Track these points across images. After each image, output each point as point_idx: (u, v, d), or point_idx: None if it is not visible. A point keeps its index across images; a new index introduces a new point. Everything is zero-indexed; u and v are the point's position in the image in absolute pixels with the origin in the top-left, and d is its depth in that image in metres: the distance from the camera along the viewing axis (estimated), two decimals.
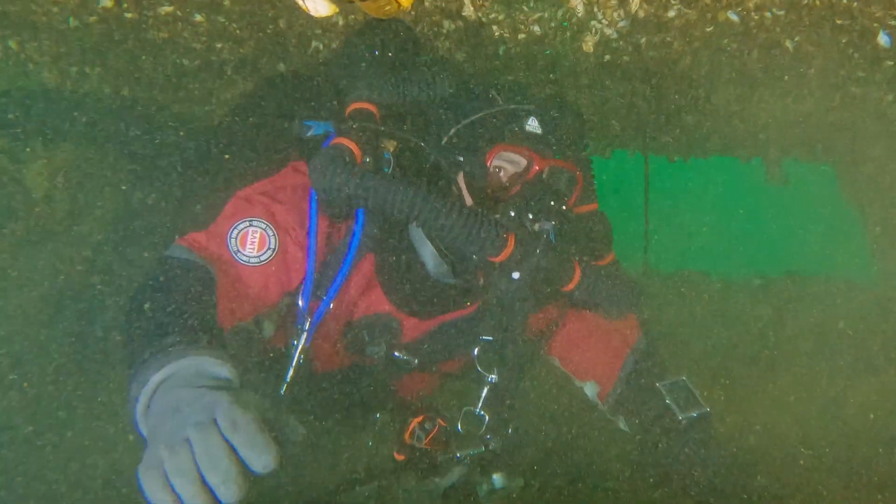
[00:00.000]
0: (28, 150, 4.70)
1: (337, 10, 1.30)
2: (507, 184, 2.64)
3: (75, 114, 4.54)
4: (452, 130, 2.72)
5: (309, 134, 2.83)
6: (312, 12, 1.39)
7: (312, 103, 3.16)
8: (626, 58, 4.04)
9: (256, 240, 2.48)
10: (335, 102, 3.02)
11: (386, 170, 2.63)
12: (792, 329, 5.10)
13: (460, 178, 2.68)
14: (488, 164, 2.61)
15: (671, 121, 4.83)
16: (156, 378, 1.82)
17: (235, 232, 2.49)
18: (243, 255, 2.46)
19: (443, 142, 2.74)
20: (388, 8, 1.30)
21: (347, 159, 2.41)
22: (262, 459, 1.54)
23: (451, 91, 2.85)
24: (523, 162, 2.63)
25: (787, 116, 4.76)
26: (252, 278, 2.48)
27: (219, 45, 4.12)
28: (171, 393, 1.77)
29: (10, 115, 4.08)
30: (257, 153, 2.97)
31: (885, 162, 5.14)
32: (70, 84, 4.53)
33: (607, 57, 4.05)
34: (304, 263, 2.57)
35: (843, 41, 3.57)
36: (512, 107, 2.71)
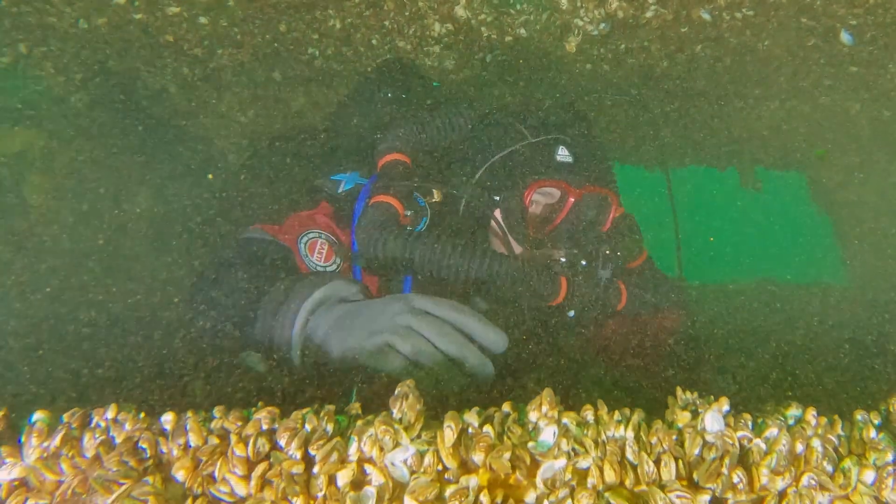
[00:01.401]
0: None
1: None
2: (545, 218, 2.59)
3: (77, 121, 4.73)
4: (483, 169, 2.67)
5: (340, 190, 2.76)
6: None
7: (334, 155, 3.13)
8: (605, 66, 4.28)
9: (325, 251, 2.48)
10: (359, 151, 2.99)
11: (424, 219, 2.60)
12: (764, 331, 5.25)
13: (497, 215, 2.62)
14: (526, 201, 2.55)
15: (649, 132, 5.07)
16: (317, 295, 1.97)
17: (306, 238, 2.49)
18: (311, 260, 2.46)
19: (474, 180, 2.68)
20: None
21: (392, 220, 2.40)
22: (497, 336, 1.78)
23: (471, 127, 2.83)
24: (557, 193, 2.57)
25: (759, 126, 5.01)
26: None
27: (219, 51, 4.31)
28: (336, 308, 1.94)
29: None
30: (286, 201, 2.97)
31: (853, 169, 5.39)
32: (73, 89, 4.69)
33: (588, 66, 4.29)
34: None
35: (810, 43, 3.80)
36: (540, 138, 2.64)
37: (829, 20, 3.48)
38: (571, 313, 2.46)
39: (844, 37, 3.60)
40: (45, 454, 1.13)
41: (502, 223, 2.59)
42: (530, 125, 2.69)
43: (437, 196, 2.68)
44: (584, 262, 2.47)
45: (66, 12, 3.71)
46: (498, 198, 2.62)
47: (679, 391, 1.23)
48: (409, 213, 2.53)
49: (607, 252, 2.47)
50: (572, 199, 2.53)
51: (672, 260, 3.78)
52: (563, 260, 2.48)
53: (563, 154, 2.60)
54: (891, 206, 5.45)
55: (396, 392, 1.19)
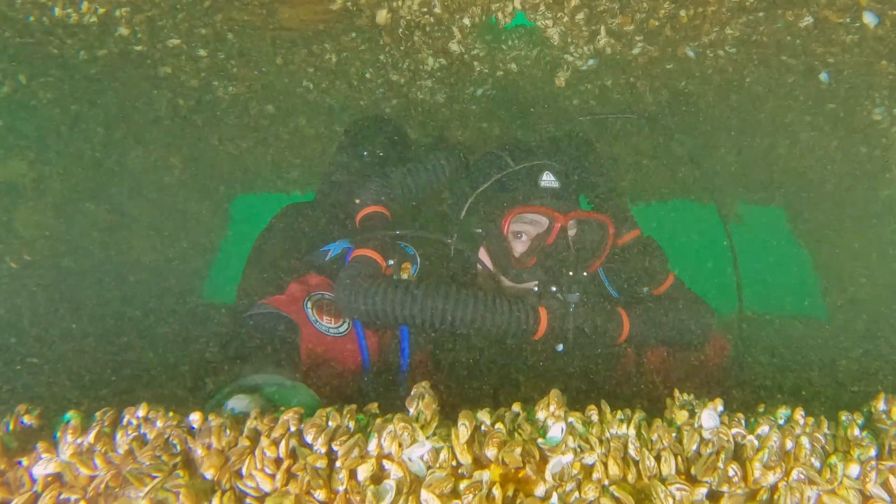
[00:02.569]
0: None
1: None
2: (534, 247, 2.51)
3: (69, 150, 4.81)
4: (467, 205, 2.63)
5: (328, 258, 2.75)
6: None
7: (325, 229, 3.12)
8: (592, 101, 4.42)
9: (333, 311, 2.40)
10: (345, 220, 2.97)
11: (415, 267, 2.57)
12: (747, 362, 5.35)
13: (482, 252, 2.59)
14: (505, 232, 2.47)
15: (632, 167, 5.21)
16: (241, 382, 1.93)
17: (311, 302, 2.43)
18: (322, 324, 2.38)
19: (461, 216, 2.65)
20: None
21: (370, 273, 2.35)
22: None
23: (454, 167, 2.79)
24: (545, 221, 2.49)
25: (741, 160, 5.15)
26: (335, 348, 2.39)
27: (215, 83, 4.41)
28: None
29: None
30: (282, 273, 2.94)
31: (833, 204, 5.54)
32: (68, 121, 4.77)
33: (576, 101, 4.43)
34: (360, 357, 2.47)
35: (790, 80, 3.95)
36: (524, 165, 2.57)
37: (808, 58, 3.62)
38: (560, 348, 2.34)
39: (823, 76, 3.74)
40: (80, 450, 1.19)
41: (487, 258, 2.56)
42: (514, 154, 2.65)
43: (407, 264, 2.59)
44: (553, 289, 2.38)
45: (67, 43, 3.80)
46: (480, 230, 2.57)
47: (676, 392, 1.31)
48: (391, 262, 2.48)
49: (570, 274, 2.37)
50: (559, 225, 2.44)
51: (732, 295, 3.77)
52: (535, 289, 2.41)
53: (547, 179, 2.52)
54: (869, 240, 5.59)
55: (413, 392, 1.26)
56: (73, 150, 5.08)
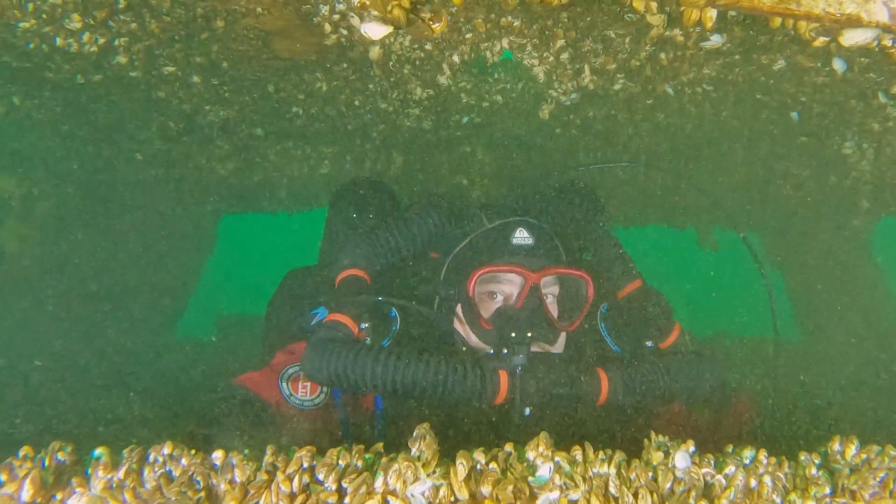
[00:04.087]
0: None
1: (391, 31, 1.58)
2: (499, 309, 2.47)
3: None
4: (445, 265, 2.62)
5: (313, 322, 2.69)
6: (370, 33, 1.61)
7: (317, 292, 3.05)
8: (574, 131, 4.57)
9: (308, 385, 2.39)
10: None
11: (394, 329, 2.54)
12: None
13: (458, 313, 2.56)
14: (470, 293, 2.44)
15: (613, 192, 5.37)
16: None
17: (286, 376, 2.43)
18: (296, 398, 2.38)
19: (441, 277, 2.63)
20: (426, 33, 1.58)
21: (338, 337, 2.31)
22: None
23: (439, 225, 2.75)
24: (517, 279, 2.46)
25: (717, 189, 5.33)
26: (311, 420, 2.40)
27: (206, 108, 4.52)
28: None
29: None
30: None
31: (805, 230, 5.74)
32: (59, 141, 4.87)
33: (558, 130, 4.58)
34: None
35: (764, 116, 4.13)
36: (497, 223, 2.54)
37: (780, 96, 3.79)
38: (527, 412, 2.23)
39: (794, 115, 3.93)
40: (111, 485, 1.30)
41: (462, 321, 2.53)
42: (490, 212, 2.62)
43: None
44: (504, 351, 2.29)
45: (64, 68, 3.89)
46: (453, 292, 2.55)
47: (653, 434, 1.44)
48: (364, 326, 2.43)
49: (512, 335, 2.29)
50: (529, 283, 2.39)
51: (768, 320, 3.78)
52: (490, 352, 2.35)
53: (520, 236, 2.47)
54: (838, 265, 5.79)
55: (415, 434, 1.39)
56: (63, 168, 5.18)
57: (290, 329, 2.84)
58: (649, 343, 2.55)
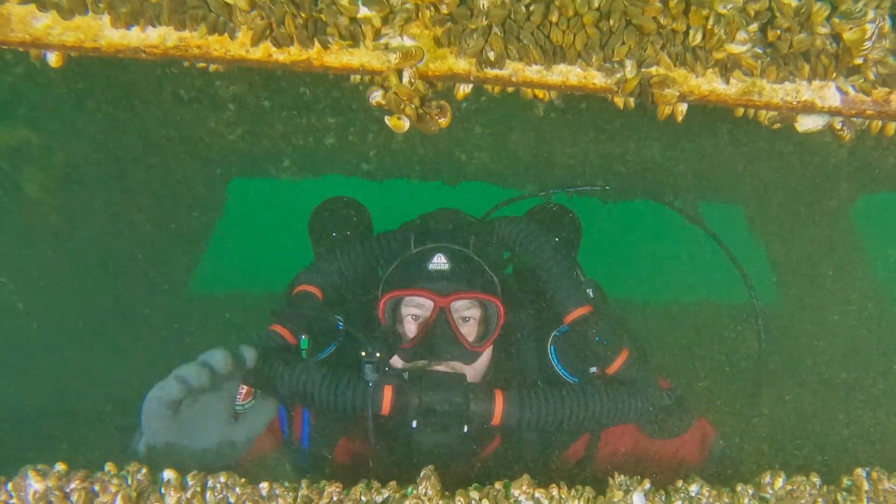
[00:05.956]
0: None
1: (404, 128, 1.79)
2: (414, 332, 2.60)
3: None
4: (381, 285, 2.71)
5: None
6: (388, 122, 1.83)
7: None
8: (569, 116, 4.82)
9: (243, 391, 2.37)
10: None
11: (333, 345, 2.70)
12: (706, 348, 5.86)
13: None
14: (380, 314, 2.58)
15: (605, 168, 5.63)
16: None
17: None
18: (237, 403, 2.39)
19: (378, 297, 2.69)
20: (433, 128, 1.80)
21: (271, 349, 2.47)
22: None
23: (396, 247, 2.83)
24: (428, 303, 2.55)
25: (703, 165, 5.60)
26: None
27: (217, 83, 4.75)
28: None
29: None
30: None
31: (786, 204, 6.03)
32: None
33: (553, 115, 4.82)
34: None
35: None
36: (419, 249, 2.64)
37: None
38: (414, 423, 2.36)
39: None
40: None
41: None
42: (420, 236, 2.71)
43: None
44: (390, 368, 2.44)
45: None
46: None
47: (616, 474, 1.76)
48: (304, 337, 2.60)
49: (363, 354, 2.38)
50: (436, 307, 2.50)
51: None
52: (387, 369, 2.44)
53: (437, 262, 2.57)
54: (819, 235, 6.09)
55: (422, 474, 1.70)
56: (78, 123, 5.39)
57: None
58: (593, 369, 2.61)
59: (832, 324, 5.84)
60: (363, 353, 2.37)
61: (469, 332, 2.59)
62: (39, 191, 5.43)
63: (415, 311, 2.59)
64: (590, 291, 2.68)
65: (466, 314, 2.59)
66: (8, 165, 5.27)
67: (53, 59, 1.83)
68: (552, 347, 2.71)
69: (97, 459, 1.74)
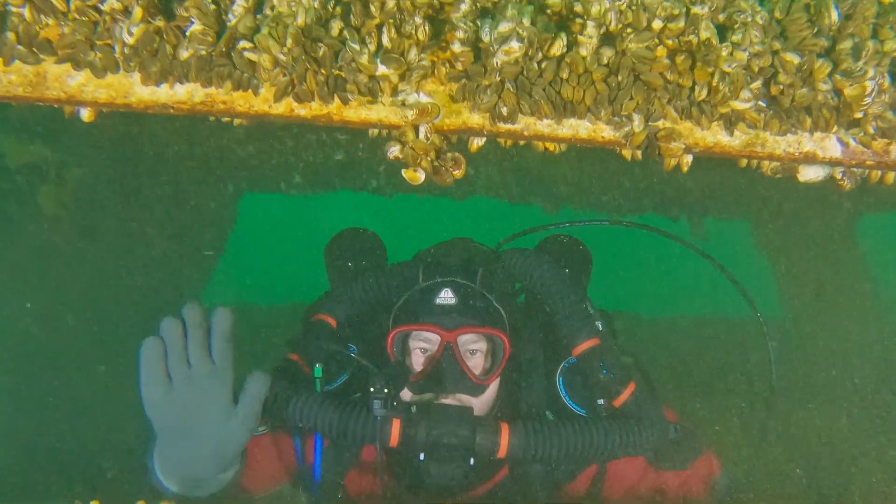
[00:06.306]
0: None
1: (419, 180, 1.86)
2: (422, 365, 2.62)
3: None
4: (391, 317, 2.70)
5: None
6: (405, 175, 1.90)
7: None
8: None
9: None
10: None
11: (344, 375, 2.72)
12: (711, 362, 5.92)
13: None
14: (389, 351, 2.61)
15: (612, 184, 5.69)
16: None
17: None
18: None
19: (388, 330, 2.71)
20: (448, 179, 1.87)
21: (284, 377, 2.48)
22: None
23: (406, 280, 2.81)
24: (435, 338, 2.56)
25: (709, 181, 5.65)
26: (267, 445, 2.62)
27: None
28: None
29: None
30: None
31: (791, 219, 6.08)
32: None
33: None
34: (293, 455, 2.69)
35: None
36: (427, 283, 2.64)
37: None
38: (421, 457, 2.39)
39: None
40: None
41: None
42: (428, 269, 2.71)
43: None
44: (396, 402, 2.44)
45: None
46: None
47: None
48: (319, 365, 2.63)
49: (372, 390, 2.40)
50: (443, 342, 2.52)
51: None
52: (394, 403, 2.44)
53: (444, 297, 2.59)
54: (825, 250, 6.14)
55: None
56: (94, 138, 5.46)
57: None
58: (601, 401, 2.62)
59: (839, 339, 5.90)
60: (372, 389, 2.40)
61: (476, 364, 2.62)
62: (55, 207, 5.52)
63: (422, 344, 2.62)
64: (598, 324, 2.69)
65: (473, 347, 2.62)
66: (24, 182, 5.36)
67: (86, 114, 1.91)
68: (561, 379, 2.73)
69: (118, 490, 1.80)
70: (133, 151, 5.65)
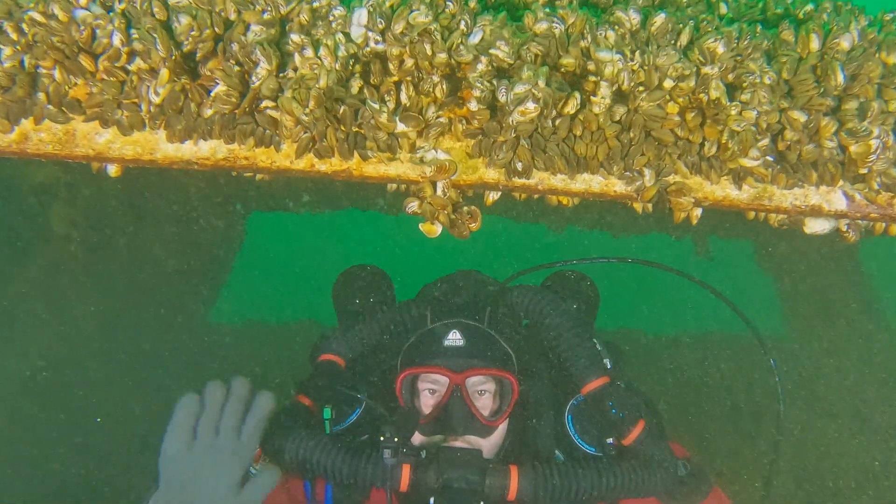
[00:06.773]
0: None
1: (436, 233, 1.90)
2: (431, 406, 2.62)
3: None
4: (399, 360, 2.72)
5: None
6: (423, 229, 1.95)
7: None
8: None
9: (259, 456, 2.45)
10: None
11: (352, 416, 2.72)
12: (715, 378, 5.96)
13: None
14: (398, 393, 2.62)
15: (617, 203, 5.72)
16: None
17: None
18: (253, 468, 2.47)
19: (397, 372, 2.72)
20: (465, 232, 1.91)
21: (292, 419, 2.50)
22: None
23: (413, 321, 2.83)
24: (444, 380, 2.57)
25: (712, 200, 5.69)
26: (278, 490, 2.52)
27: None
28: None
29: None
30: None
31: (795, 238, 6.12)
32: None
33: None
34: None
35: None
36: (436, 325, 2.66)
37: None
38: (431, 501, 2.38)
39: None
40: None
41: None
42: (436, 311, 2.72)
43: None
44: (405, 448, 2.43)
45: None
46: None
47: None
48: (328, 407, 2.64)
49: (382, 438, 2.40)
50: (451, 384, 2.54)
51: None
52: (404, 450, 2.44)
53: (452, 338, 2.59)
54: (828, 266, 6.19)
55: None
56: None
57: None
58: (610, 439, 2.62)
59: (841, 358, 5.95)
60: (382, 438, 2.41)
61: (485, 405, 2.63)
62: (66, 226, 5.57)
63: (431, 386, 2.62)
64: (606, 361, 2.69)
65: (482, 388, 2.63)
66: (36, 202, 5.41)
67: (113, 170, 1.97)
68: (569, 417, 2.72)
69: None
70: (142, 171, 5.70)
